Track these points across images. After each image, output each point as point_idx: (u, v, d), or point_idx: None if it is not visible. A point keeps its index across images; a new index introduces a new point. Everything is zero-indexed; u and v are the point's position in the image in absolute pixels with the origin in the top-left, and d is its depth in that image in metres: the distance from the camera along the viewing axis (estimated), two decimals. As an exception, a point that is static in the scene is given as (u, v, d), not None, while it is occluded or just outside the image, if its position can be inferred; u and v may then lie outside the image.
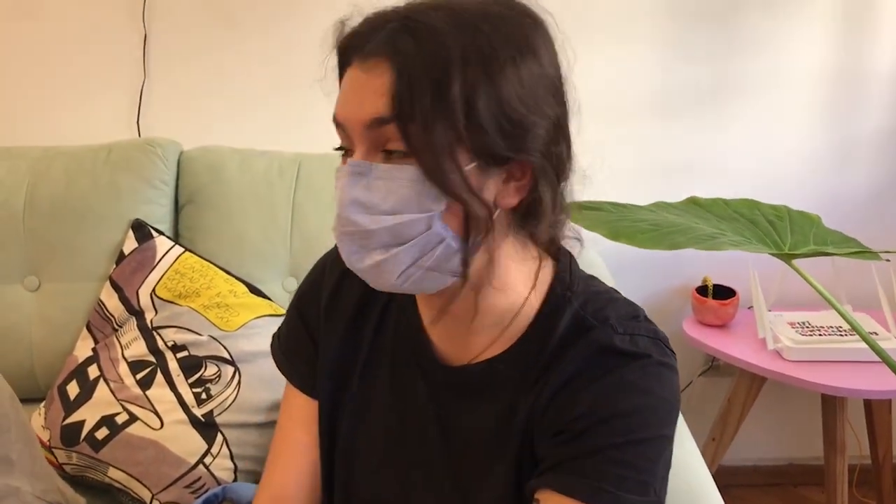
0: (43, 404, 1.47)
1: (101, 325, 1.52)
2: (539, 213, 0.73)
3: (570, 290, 0.78)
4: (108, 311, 1.51)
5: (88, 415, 1.39)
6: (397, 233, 0.68)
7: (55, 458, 1.40)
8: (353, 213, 0.68)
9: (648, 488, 0.72)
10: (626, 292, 1.62)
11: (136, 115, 1.83)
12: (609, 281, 1.68)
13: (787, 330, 1.78)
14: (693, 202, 1.45)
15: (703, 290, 1.90)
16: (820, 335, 1.76)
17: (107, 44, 1.81)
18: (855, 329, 1.23)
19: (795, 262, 1.26)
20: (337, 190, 0.70)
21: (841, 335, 1.76)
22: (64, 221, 1.56)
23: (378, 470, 0.87)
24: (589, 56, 1.81)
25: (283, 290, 1.62)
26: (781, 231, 1.29)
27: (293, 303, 0.95)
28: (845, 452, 1.81)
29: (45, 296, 1.58)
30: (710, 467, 1.14)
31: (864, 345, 1.21)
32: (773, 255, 1.24)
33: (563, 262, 0.81)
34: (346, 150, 0.72)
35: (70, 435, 1.38)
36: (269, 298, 1.54)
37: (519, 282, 0.77)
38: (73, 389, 1.44)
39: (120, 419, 1.37)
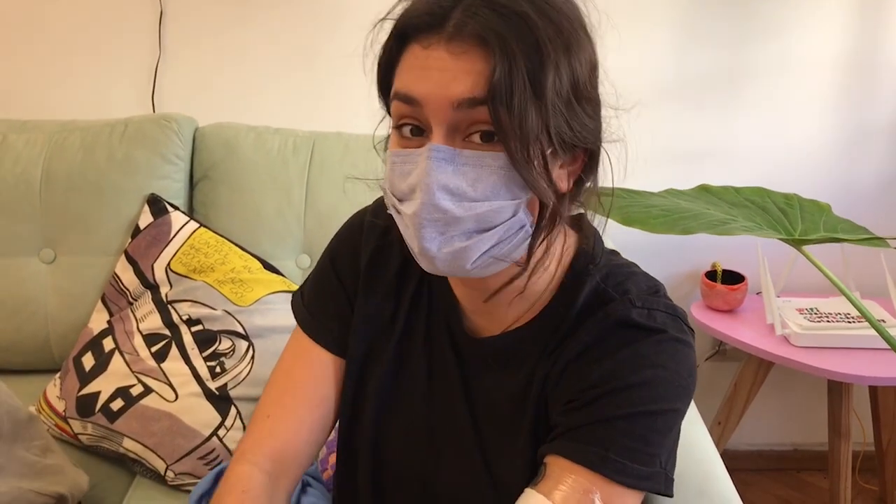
0: (58, 375, 1.49)
1: (116, 299, 1.54)
2: (580, 197, 0.77)
3: (593, 263, 0.80)
4: (123, 284, 1.53)
5: (104, 386, 1.41)
6: (485, 219, 0.68)
7: (70, 428, 1.42)
8: (441, 199, 0.67)
9: (655, 459, 0.73)
10: (635, 276, 1.64)
11: (151, 91, 1.84)
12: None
13: (796, 316, 1.79)
14: (704, 189, 1.46)
15: (712, 275, 1.91)
16: (828, 321, 1.77)
17: (123, 20, 1.82)
18: (864, 315, 1.24)
19: (805, 248, 1.26)
20: (415, 174, 0.68)
21: (849, 322, 1.77)
22: (80, 195, 1.57)
23: (408, 434, 0.89)
24: (600, 40, 1.83)
25: (296, 267, 1.64)
26: (792, 218, 1.30)
27: (326, 261, 0.94)
28: (850, 439, 1.82)
29: (60, 268, 1.60)
30: (715, 451, 1.16)
31: (871, 332, 1.22)
32: (783, 240, 1.25)
33: (588, 236, 0.82)
34: (412, 129, 0.70)
35: (85, 406, 1.40)
36: (282, 275, 1.55)
37: (553, 259, 0.78)
38: (88, 361, 1.46)
39: (135, 391, 1.39)
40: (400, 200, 0.70)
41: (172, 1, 1.81)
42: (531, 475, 0.76)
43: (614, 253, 0.86)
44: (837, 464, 1.83)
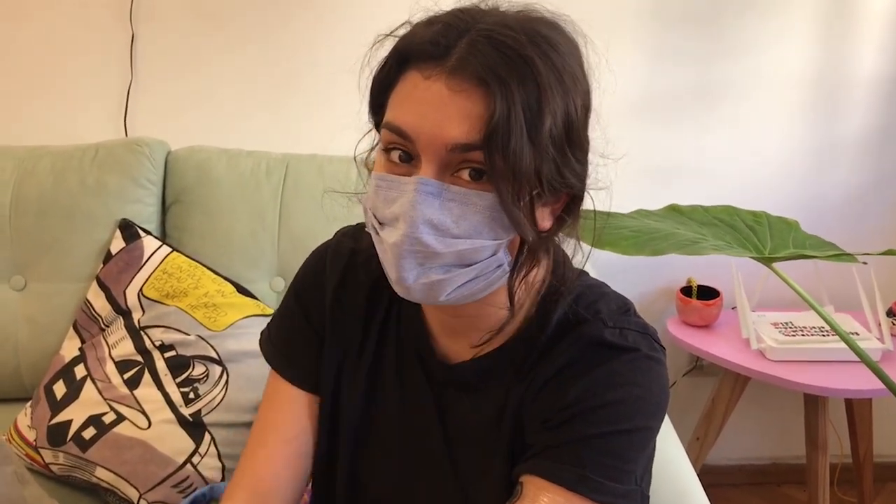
0: (29, 404, 1.47)
1: (87, 325, 1.52)
2: (559, 232, 0.77)
3: (564, 285, 0.80)
4: (95, 310, 1.52)
5: (75, 414, 1.39)
6: (464, 256, 0.68)
7: (41, 457, 1.40)
8: (424, 234, 0.67)
9: (631, 477, 0.74)
10: (610, 293, 1.64)
11: (123, 116, 1.83)
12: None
13: (771, 330, 1.80)
14: (674, 209, 1.47)
15: (687, 290, 1.92)
16: (803, 335, 1.78)
17: (94, 44, 1.81)
18: (835, 330, 1.25)
19: (776, 265, 1.28)
20: (400, 204, 0.67)
21: (823, 335, 1.78)
22: (51, 221, 1.56)
23: (384, 463, 0.89)
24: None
25: (270, 290, 1.63)
26: (761, 235, 1.31)
27: (292, 296, 0.94)
28: (827, 451, 1.83)
29: (31, 295, 1.59)
30: (693, 467, 1.16)
31: (845, 345, 1.23)
32: (753, 258, 1.26)
33: (558, 257, 0.82)
34: (401, 154, 0.69)
35: (57, 435, 1.38)
36: (256, 298, 1.54)
37: (526, 283, 0.78)
38: (59, 389, 1.44)
39: (107, 419, 1.37)
40: (381, 224, 0.70)
41: (144, 24, 1.80)
42: (509, 497, 0.76)
43: (584, 273, 0.86)
44: (815, 476, 1.83)
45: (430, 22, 0.70)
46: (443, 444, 0.85)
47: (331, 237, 0.94)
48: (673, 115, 1.91)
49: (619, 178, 2.03)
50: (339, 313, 0.89)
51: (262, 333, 0.97)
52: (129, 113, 1.84)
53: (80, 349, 1.49)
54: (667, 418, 1.22)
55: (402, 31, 0.72)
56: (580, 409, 0.74)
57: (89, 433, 1.37)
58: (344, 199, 1.60)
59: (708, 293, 1.91)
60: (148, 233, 1.57)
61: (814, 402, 1.82)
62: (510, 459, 0.80)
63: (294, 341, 0.92)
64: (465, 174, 0.67)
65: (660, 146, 1.93)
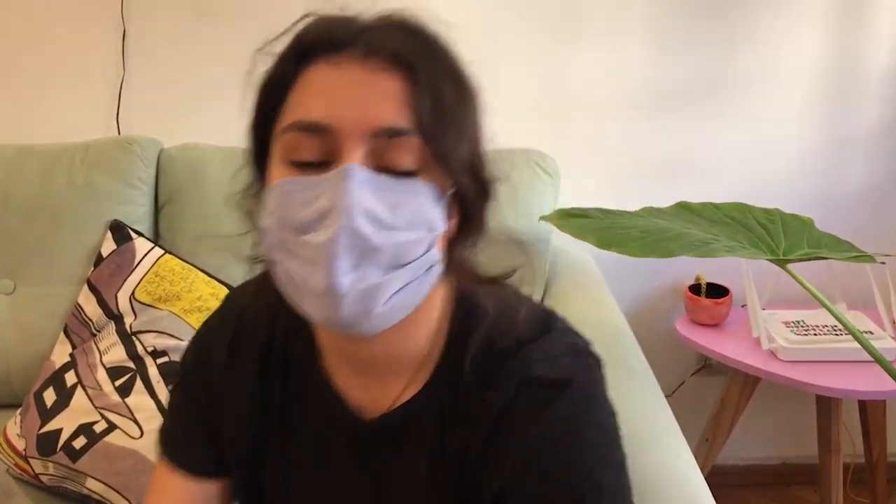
0: (19, 411, 1.43)
1: (78, 330, 1.48)
2: (466, 238, 0.71)
3: (476, 310, 0.72)
4: (85, 315, 1.47)
5: (66, 423, 1.35)
6: (401, 253, 0.62)
7: (31, 467, 1.36)
8: (362, 224, 0.59)
9: None
10: (617, 292, 1.61)
11: (115, 113, 1.79)
12: (600, 282, 1.65)
13: (782, 329, 1.75)
14: (683, 207, 1.42)
15: (696, 288, 1.87)
16: (815, 335, 1.73)
17: (85, 40, 1.76)
18: (849, 330, 1.20)
19: (790, 265, 1.23)
20: (328, 198, 0.59)
21: (836, 335, 1.73)
22: (39, 223, 1.52)
23: None
24: (576, 48, 1.80)
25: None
26: (775, 235, 1.26)
27: (179, 379, 0.86)
28: (840, 453, 1.78)
29: (20, 299, 1.54)
30: (702, 468, 1.11)
31: (859, 345, 1.18)
32: (768, 260, 1.21)
33: (465, 276, 0.74)
34: (309, 159, 0.62)
35: (46, 444, 1.34)
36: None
37: (433, 310, 0.72)
38: (49, 396, 1.40)
39: (98, 427, 1.33)
40: (298, 233, 0.61)
41: (136, 20, 1.75)
42: None
43: (494, 288, 0.76)
44: (828, 478, 1.79)
45: (324, 19, 0.66)
46: None
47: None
48: (682, 109, 1.85)
49: (625, 175, 2.00)
50: (231, 387, 0.80)
51: (159, 433, 0.87)
52: (122, 110, 1.79)
53: (71, 355, 1.45)
54: (674, 419, 1.18)
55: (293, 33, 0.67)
56: (541, 476, 0.66)
57: (80, 442, 1.33)
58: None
59: (717, 291, 1.86)
60: (140, 234, 1.53)
61: (826, 404, 1.77)
62: None
63: (183, 426, 0.84)
64: (394, 160, 0.61)
65: (668, 141, 1.87)
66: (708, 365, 2.05)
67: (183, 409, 0.85)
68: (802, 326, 1.77)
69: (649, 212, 1.36)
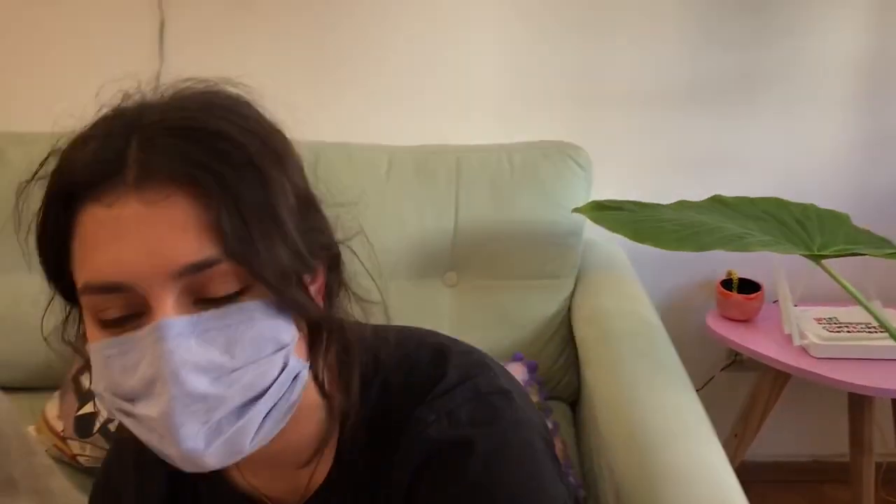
0: (57, 394, 1.46)
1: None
2: (332, 304, 0.65)
3: (361, 373, 0.67)
4: (123, 301, 1.50)
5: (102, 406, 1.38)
6: (252, 386, 0.55)
7: (69, 449, 1.39)
8: (196, 384, 0.52)
9: None
10: (648, 286, 1.60)
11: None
12: (632, 275, 1.65)
13: (814, 326, 1.73)
14: (718, 201, 1.41)
15: (727, 283, 1.86)
16: (848, 332, 1.72)
17: (123, 29, 1.78)
18: (884, 327, 1.19)
19: (825, 261, 1.22)
20: (147, 364, 0.52)
21: (870, 332, 1.71)
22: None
23: None
24: (611, 42, 1.79)
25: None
26: (810, 230, 1.25)
27: None
28: (872, 452, 1.77)
29: (60, 285, 1.57)
30: (731, 464, 1.11)
31: (893, 342, 1.17)
32: (803, 255, 1.20)
33: (339, 340, 0.66)
34: (116, 314, 0.54)
35: (84, 426, 1.37)
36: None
37: (317, 395, 0.65)
38: (86, 380, 1.43)
39: (134, 411, 1.36)
40: (131, 401, 0.54)
41: (173, 9, 1.77)
42: None
43: (378, 337, 0.69)
44: (860, 477, 1.77)
45: (84, 140, 0.56)
46: None
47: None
48: (716, 103, 1.84)
49: (658, 169, 1.99)
50: None
51: None
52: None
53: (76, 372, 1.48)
54: (703, 412, 1.18)
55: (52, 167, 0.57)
56: None
57: (115, 425, 1.35)
58: (374, 191, 1.57)
59: (749, 286, 1.85)
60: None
61: (859, 402, 1.75)
62: None
63: None
64: (209, 293, 0.53)
65: (702, 135, 1.86)
66: (738, 360, 2.04)
67: None
68: (835, 323, 1.75)
69: (683, 205, 1.35)
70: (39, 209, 0.56)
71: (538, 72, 1.79)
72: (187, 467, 0.56)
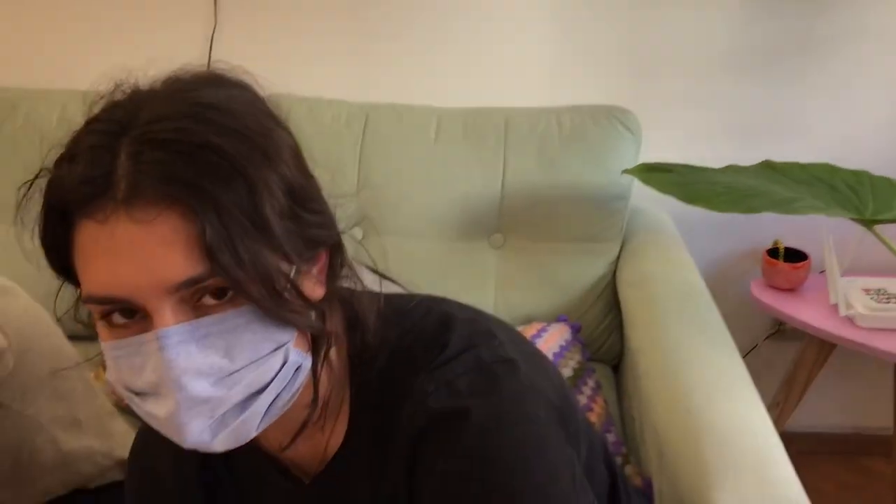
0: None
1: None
2: (335, 288, 0.67)
3: (367, 345, 0.69)
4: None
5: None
6: (254, 383, 0.58)
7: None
8: (199, 389, 0.55)
9: None
10: (694, 253, 1.60)
11: (206, 63, 1.84)
12: (677, 241, 1.65)
13: (861, 296, 1.72)
14: (768, 166, 1.41)
15: (773, 252, 1.85)
16: (896, 303, 1.70)
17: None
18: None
19: (877, 227, 1.21)
20: (152, 369, 0.55)
21: (919, 303, 1.70)
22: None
23: None
24: (663, 7, 1.78)
25: (349, 240, 1.63)
26: (863, 196, 1.25)
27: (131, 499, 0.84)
28: (916, 424, 1.76)
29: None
30: (771, 432, 1.12)
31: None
32: (854, 220, 1.20)
33: (352, 307, 0.70)
34: (121, 312, 0.57)
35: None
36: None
37: (331, 361, 0.68)
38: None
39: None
40: (140, 395, 0.58)
41: (226, -29, 1.80)
42: None
43: (388, 304, 0.71)
44: (902, 449, 1.77)
45: (71, 156, 0.56)
46: None
47: None
48: (768, 69, 1.82)
49: (708, 134, 1.97)
50: (183, 487, 0.80)
51: None
52: (213, 59, 1.84)
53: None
54: (747, 374, 1.18)
55: (46, 177, 0.59)
56: None
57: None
58: (423, 153, 1.59)
59: (795, 256, 1.84)
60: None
61: (904, 373, 1.74)
62: None
63: None
64: (208, 298, 0.56)
65: (753, 101, 1.84)
66: (782, 330, 2.03)
67: None
68: (883, 294, 1.74)
69: (733, 169, 1.35)
70: (39, 217, 0.58)
71: (589, 35, 1.79)
72: (202, 451, 0.60)
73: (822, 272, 1.85)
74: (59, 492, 1.09)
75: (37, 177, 0.59)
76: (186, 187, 0.53)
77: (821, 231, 1.71)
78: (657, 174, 1.33)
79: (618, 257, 1.64)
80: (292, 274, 0.59)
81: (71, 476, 1.09)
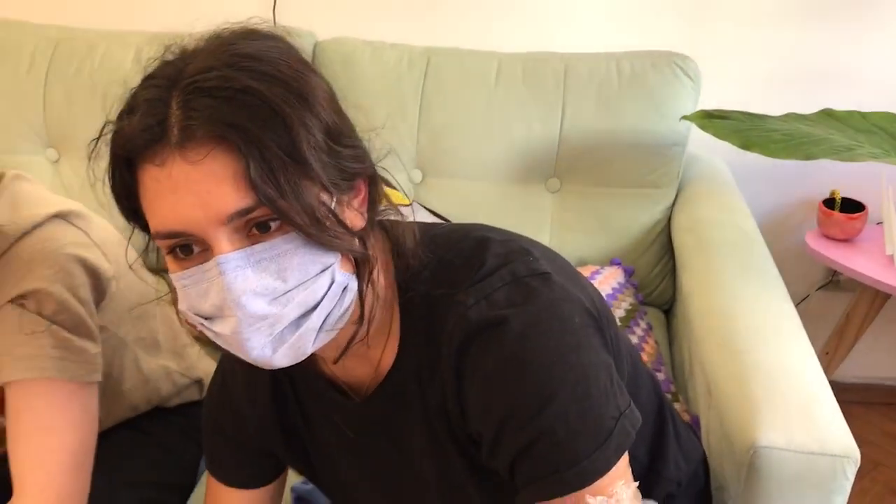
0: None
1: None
2: (378, 215, 0.73)
3: (414, 269, 0.74)
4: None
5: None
6: (305, 302, 0.64)
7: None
8: (257, 307, 0.62)
9: (603, 425, 0.68)
10: (750, 202, 1.61)
11: (272, 5, 1.88)
12: (733, 189, 1.66)
13: (919, 248, 1.72)
14: (827, 114, 1.40)
15: (830, 203, 1.84)
16: (953, 255, 1.70)
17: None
18: None
19: (936, 176, 1.21)
20: (215, 292, 0.62)
21: (976, 256, 1.69)
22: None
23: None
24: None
25: (408, 182, 1.68)
26: (925, 145, 1.24)
27: (209, 422, 0.93)
28: (967, 376, 1.76)
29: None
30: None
31: None
32: (913, 168, 1.20)
33: (394, 237, 0.76)
34: (183, 248, 0.64)
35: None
36: (395, 188, 1.59)
37: (379, 283, 0.74)
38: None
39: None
40: (208, 318, 0.65)
41: None
42: (485, 493, 0.77)
43: (426, 233, 0.77)
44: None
45: (130, 109, 0.63)
46: (403, 470, 0.83)
47: None
48: (830, 15, 1.79)
49: (768, 82, 1.95)
50: (254, 405, 0.88)
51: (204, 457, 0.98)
52: (279, 2, 1.88)
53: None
54: (799, 320, 1.20)
55: (110, 130, 0.65)
56: (504, 421, 0.68)
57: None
58: (482, 97, 1.62)
59: (852, 206, 1.83)
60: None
61: (958, 325, 1.74)
62: (467, 462, 0.77)
63: (222, 455, 0.93)
64: (257, 229, 0.62)
65: (814, 47, 1.82)
66: (835, 281, 2.03)
67: (220, 445, 0.93)
68: (941, 246, 1.73)
69: (792, 117, 1.36)
70: (108, 168, 0.66)
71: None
72: (264, 367, 0.67)
73: (879, 223, 1.84)
74: (143, 408, 1.17)
75: (102, 132, 0.67)
76: (231, 128, 0.59)
77: (880, 181, 1.70)
78: (715, 121, 1.34)
79: (673, 203, 1.66)
80: (332, 204, 0.65)
81: (152, 393, 1.17)
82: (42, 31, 1.76)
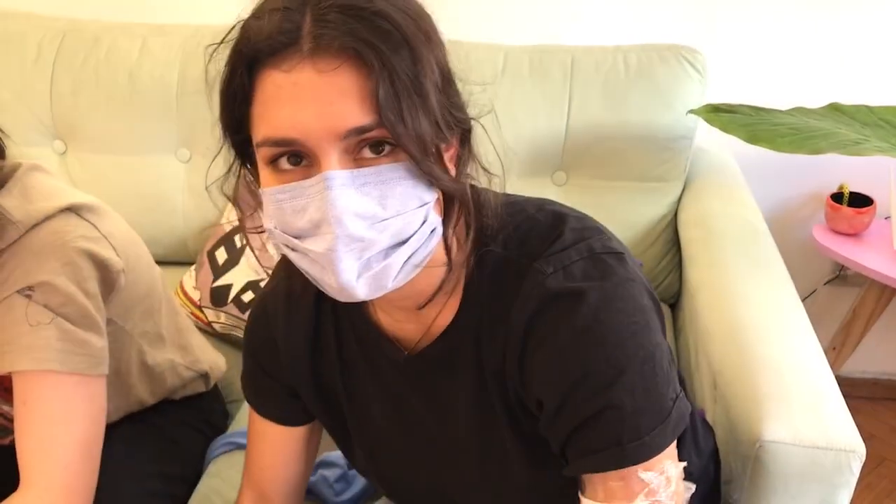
0: (193, 267, 1.60)
1: (247, 199, 1.62)
2: (465, 171, 0.72)
3: (488, 230, 0.74)
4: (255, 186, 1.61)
5: (235, 279, 1.51)
6: (399, 233, 0.64)
7: (205, 316, 1.53)
8: (356, 228, 0.62)
9: (664, 404, 0.70)
10: (757, 196, 1.61)
11: None
12: (740, 183, 1.66)
13: (926, 243, 1.71)
14: (835, 108, 1.40)
15: (838, 197, 1.84)
16: (962, 250, 1.69)
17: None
18: None
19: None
20: (315, 208, 0.62)
21: (985, 252, 1.68)
22: (216, 96, 1.65)
23: (403, 465, 0.90)
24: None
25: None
26: (934, 139, 1.24)
27: (248, 359, 0.94)
28: (974, 372, 1.76)
29: (196, 167, 1.70)
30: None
31: None
32: (921, 162, 1.19)
33: (475, 197, 0.75)
34: (289, 158, 0.63)
35: (219, 296, 1.51)
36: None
37: (446, 249, 0.74)
38: (221, 255, 1.56)
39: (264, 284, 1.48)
40: (299, 238, 0.65)
41: None
42: (527, 461, 0.78)
43: (504, 201, 0.77)
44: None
45: (265, 12, 0.62)
46: (445, 432, 0.83)
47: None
48: (838, 8, 1.78)
49: (776, 74, 1.94)
50: (292, 345, 0.88)
51: (242, 379, 0.98)
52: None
53: (240, 219, 1.60)
54: (805, 314, 1.19)
55: (236, 34, 0.64)
56: (572, 389, 0.69)
57: (248, 296, 1.48)
58: (488, 89, 1.61)
59: (860, 201, 1.83)
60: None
61: (966, 320, 1.73)
62: (514, 428, 0.78)
63: (262, 389, 0.94)
64: (367, 151, 0.62)
65: (822, 42, 1.81)
66: (842, 276, 2.03)
67: (256, 375, 0.93)
68: (949, 241, 1.72)
69: (799, 111, 1.35)
70: (224, 70, 0.64)
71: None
72: (341, 297, 0.66)
73: (886, 218, 1.84)
74: (149, 401, 1.18)
75: (228, 34, 0.65)
76: (365, 45, 0.59)
77: (887, 177, 1.69)
78: (722, 114, 1.34)
79: (680, 197, 1.65)
80: (441, 144, 0.66)
81: (158, 387, 1.18)
82: (49, 23, 1.76)
